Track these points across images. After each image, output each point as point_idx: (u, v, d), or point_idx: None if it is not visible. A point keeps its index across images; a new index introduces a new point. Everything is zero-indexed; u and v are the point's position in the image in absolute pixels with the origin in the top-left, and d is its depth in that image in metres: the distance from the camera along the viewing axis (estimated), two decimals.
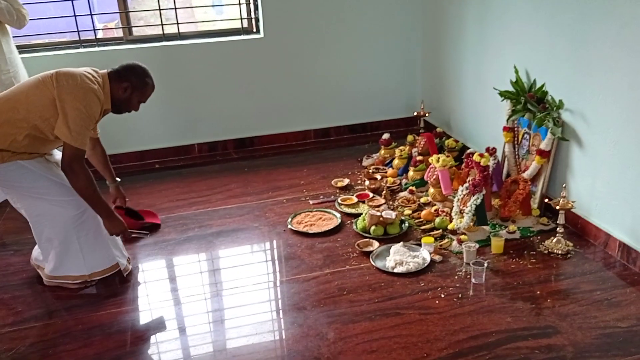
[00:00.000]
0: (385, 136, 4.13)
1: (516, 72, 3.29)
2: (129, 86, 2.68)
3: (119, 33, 4.28)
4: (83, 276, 2.72)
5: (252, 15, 4.41)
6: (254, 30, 4.45)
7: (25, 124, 2.52)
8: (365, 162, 4.15)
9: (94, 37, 4.20)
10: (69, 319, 2.55)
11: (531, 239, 3.01)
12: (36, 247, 2.81)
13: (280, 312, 2.55)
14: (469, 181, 3.09)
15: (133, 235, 3.04)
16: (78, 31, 4.11)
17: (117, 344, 2.37)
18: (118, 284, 2.79)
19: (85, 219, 2.67)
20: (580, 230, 3.01)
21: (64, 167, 2.53)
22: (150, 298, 2.70)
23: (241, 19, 4.41)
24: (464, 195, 3.08)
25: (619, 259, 2.76)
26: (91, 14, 4.18)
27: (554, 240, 2.88)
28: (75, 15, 4.08)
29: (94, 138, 2.97)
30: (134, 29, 4.32)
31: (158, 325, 2.50)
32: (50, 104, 2.50)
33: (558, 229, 2.88)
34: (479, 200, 2.97)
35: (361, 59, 4.60)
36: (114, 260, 2.77)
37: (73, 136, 2.48)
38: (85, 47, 4.15)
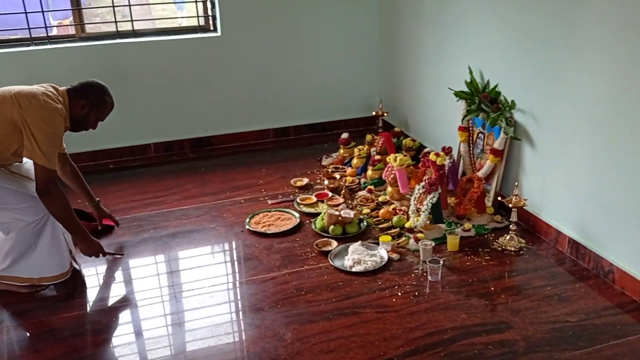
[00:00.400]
0: (344, 135, 4.15)
1: (470, 72, 3.35)
2: (86, 104, 2.64)
3: (73, 30, 4.17)
4: (31, 279, 2.64)
5: (209, 13, 4.36)
6: (211, 28, 4.40)
7: None
8: (325, 162, 4.16)
9: (45, 35, 4.07)
10: (18, 324, 2.47)
11: (485, 236, 3.07)
12: None
13: (238, 313, 2.53)
14: (425, 180, 3.13)
15: (107, 256, 2.91)
16: (29, 28, 3.99)
17: (70, 348, 2.31)
18: (71, 287, 2.71)
19: (44, 224, 2.61)
20: (532, 227, 3.08)
21: (40, 190, 2.49)
22: (105, 301, 2.64)
23: (198, 16, 4.36)
24: (421, 193, 3.12)
25: (568, 255, 2.85)
26: (42, 11, 4.06)
27: (507, 238, 2.95)
28: (26, 12, 3.95)
29: (62, 154, 2.89)
30: (88, 26, 4.21)
31: (112, 329, 2.45)
32: (8, 122, 2.45)
33: (511, 226, 2.95)
34: (435, 199, 3.01)
35: (320, 58, 4.61)
36: (66, 267, 2.69)
37: (46, 158, 2.45)
38: (36, 44, 4.03)
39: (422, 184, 3.13)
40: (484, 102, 3.25)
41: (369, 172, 3.76)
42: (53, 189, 2.51)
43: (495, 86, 3.22)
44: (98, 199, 3.10)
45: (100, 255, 2.76)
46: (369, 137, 4.09)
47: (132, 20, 4.17)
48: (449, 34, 3.66)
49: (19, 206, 2.56)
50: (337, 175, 3.78)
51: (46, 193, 2.50)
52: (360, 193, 3.61)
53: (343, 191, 3.57)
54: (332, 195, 3.57)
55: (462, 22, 3.50)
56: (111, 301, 2.64)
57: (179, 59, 4.27)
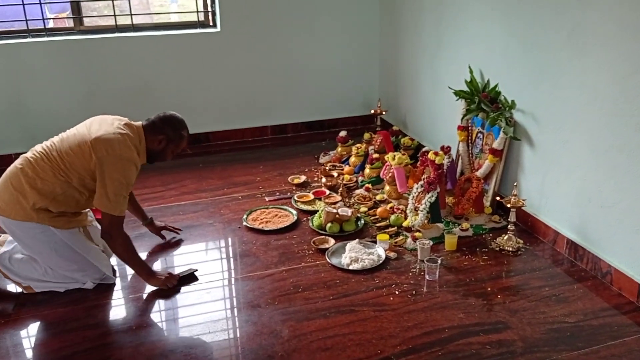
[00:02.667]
0: (342, 133, 4.13)
1: (471, 72, 3.34)
2: (164, 139, 2.63)
3: (70, 23, 4.14)
4: (20, 284, 2.62)
5: (209, 8, 4.34)
6: (211, 23, 4.38)
7: (64, 177, 2.49)
8: (322, 159, 4.14)
9: (43, 27, 4.05)
10: (23, 316, 2.45)
11: (483, 236, 3.06)
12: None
13: (235, 310, 2.51)
14: (423, 179, 3.12)
15: (182, 276, 2.75)
16: (26, 20, 3.96)
17: (67, 343, 2.29)
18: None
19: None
20: (530, 227, 3.08)
21: (103, 234, 2.53)
22: (102, 296, 2.62)
23: (197, 12, 4.34)
24: (419, 193, 3.11)
25: (566, 256, 2.84)
26: (40, 3, 4.04)
27: (505, 238, 2.94)
28: (23, 4, 3.92)
29: None
30: (86, 19, 4.18)
31: (108, 325, 2.43)
32: (86, 169, 2.48)
33: (509, 226, 2.94)
34: (433, 198, 3.00)
35: (319, 56, 4.60)
36: (61, 289, 2.65)
37: (113, 206, 2.45)
38: (33, 36, 4.00)
39: (421, 182, 3.12)
40: (483, 101, 3.25)
41: (367, 171, 3.75)
42: (115, 233, 2.51)
43: (495, 86, 3.21)
44: (151, 216, 3.08)
45: (173, 282, 2.66)
46: (367, 136, 4.08)
47: (131, 14, 4.15)
48: (449, 32, 3.66)
49: (73, 266, 2.59)
50: (335, 173, 3.77)
51: (108, 237, 2.53)
52: (358, 191, 3.60)
53: (340, 189, 3.56)
54: (330, 193, 3.56)
55: (462, 21, 3.49)
56: (107, 297, 2.62)
57: (178, 54, 4.25)
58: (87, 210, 2.74)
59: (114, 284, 2.69)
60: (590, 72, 2.57)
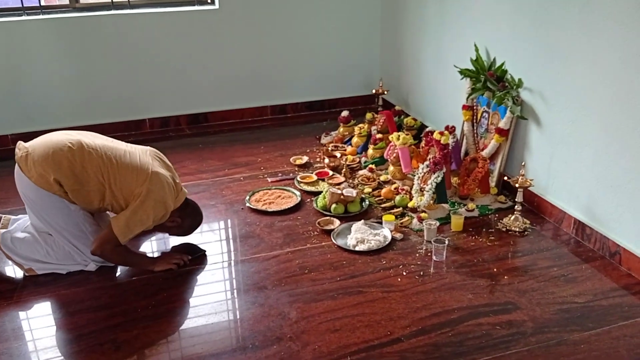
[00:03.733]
0: (344, 113, 4.07)
1: (476, 50, 3.29)
2: (176, 220, 2.65)
3: (66, 0, 4.04)
4: (21, 266, 2.58)
5: None
6: (209, 1, 4.29)
7: (103, 181, 2.46)
8: (324, 140, 4.09)
9: (38, 4, 3.94)
10: (25, 298, 2.41)
11: (489, 216, 3.03)
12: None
13: (241, 291, 2.48)
14: (429, 159, 3.08)
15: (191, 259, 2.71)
16: None
17: (71, 326, 2.26)
18: None
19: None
20: (536, 207, 3.05)
21: (94, 248, 2.47)
22: (106, 278, 2.57)
23: None
24: (425, 173, 3.07)
25: (574, 235, 2.82)
26: None
27: (512, 218, 2.92)
28: None
29: None
30: None
31: (112, 307, 2.39)
32: (129, 190, 2.47)
33: (516, 206, 2.91)
34: (439, 179, 2.96)
35: (319, 34, 4.52)
36: (63, 271, 2.61)
37: (124, 232, 2.43)
38: (28, 14, 3.90)
39: (426, 163, 3.08)
40: (489, 80, 3.20)
41: (370, 151, 3.70)
42: (108, 253, 2.49)
43: (502, 64, 3.16)
44: None
45: (184, 260, 2.65)
46: (369, 116, 4.03)
47: None
48: (453, 9, 3.59)
49: (75, 242, 2.54)
50: (338, 154, 3.72)
51: (100, 253, 2.48)
52: (361, 172, 3.56)
53: (344, 170, 3.52)
54: (333, 174, 3.51)
55: None
56: (110, 279, 2.58)
57: (175, 32, 4.16)
58: None
59: (115, 266, 2.65)
60: (602, 51, 2.52)
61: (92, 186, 2.45)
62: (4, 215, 2.70)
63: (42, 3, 4.01)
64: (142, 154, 2.57)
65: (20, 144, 2.51)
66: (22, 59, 3.89)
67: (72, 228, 2.51)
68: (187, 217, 2.69)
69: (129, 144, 2.63)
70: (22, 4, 3.88)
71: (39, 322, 2.31)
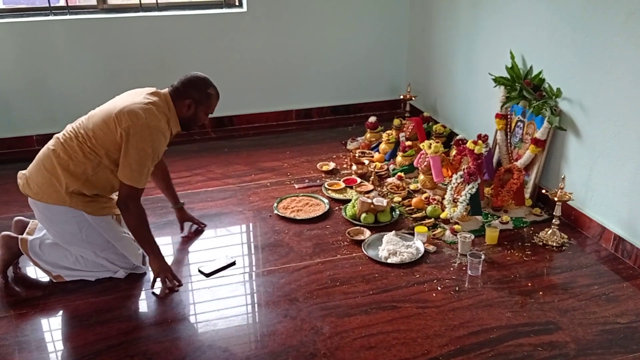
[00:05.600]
0: (372, 119, 4.01)
1: (512, 57, 3.20)
2: (191, 103, 2.49)
3: (93, 1, 4.01)
4: (49, 272, 2.53)
5: None
6: (237, 3, 4.24)
7: (93, 156, 2.38)
8: (350, 146, 4.03)
9: (65, 4, 3.92)
10: (53, 305, 2.37)
11: (524, 229, 2.95)
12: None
13: (272, 303, 2.42)
14: (463, 169, 3.00)
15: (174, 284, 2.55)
16: None
17: (101, 336, 2.21)
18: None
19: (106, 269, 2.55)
20: (573, 221, 2.96)
21: (119, 203, 2.41)
22: (134, 286, 2.53)
23: None
24: (459, 183, 2.99)
25: (613, 252, 2.73)
26: None
27: (549, 232, 2.83)
28: None
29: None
30: None
31: (144, 316, 2.35)
32: (113, 144, 2.36)
33: (553, 220, 2.83)
34: (474, 190, 2.89)
35: (346, 37, 4.45)
36: (92, 278, 2.56)
37: (135, 177, 2.34)
38: (55, 14, 3.88)
39: (460, 173, 3.00)
40: (526, 89, 3.11)
41: (399, 159, 3.63)
42: (132, 206, 2.40)
43: (540, 72, 3.07)
44: (183, 202, 2.97)
45: (167, 280, 2.49)
46: (396, 122, 3.95)
47: None
48: (487, 13, 3.50)
49: (103, 255, 2.50)
50: (366, 161, 3.65)
51: (125, 208, 2.41)
52: (390, 180, 3.48)
53: (372, 177, 3.46)
54: (361, 182, 3.45)
55: (502, 3, 3.34)
56: (139, 287, 2.53)
57: (203, 35, 4.12)
58: None
59: (145, 274, 2.60)
60: None
61: (93, 169, 2.39)
62: (31, 221, 2.67)
63: (71, 3, 3.98)
64: (107, 104, 2.46)
65: (19, 173, 2.49)
66: (47, 59, 3.87)
67: (97, 240, 2.47)
68: (190, 92, 2.48)
69: (98, 107, 2.50)
70: (49, 4, 3.86)
71: (69, 331, 2.27)
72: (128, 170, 2.33)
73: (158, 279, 2.51)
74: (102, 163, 2.40)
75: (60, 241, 2.48)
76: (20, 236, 2.54)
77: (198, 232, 2.96)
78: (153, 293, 2.48)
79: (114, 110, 2.36)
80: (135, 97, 2.43)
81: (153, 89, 2.51)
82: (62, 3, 3.93)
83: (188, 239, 2.90)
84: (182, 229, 2.96)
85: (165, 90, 2.52)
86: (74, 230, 2.44)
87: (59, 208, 2.39)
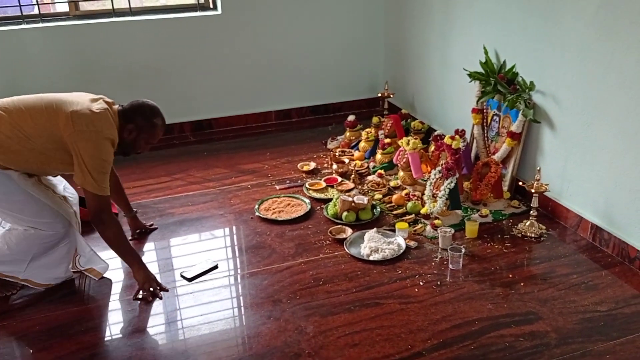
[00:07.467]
0: (351, 118, 4.02)
1: (486, 52, 3.23)
2: (134, 128, 2.45)
3: (65, 8, 3.97)
4: (16, 277, 2.47)
5: None
6: (211, 6, 4.23)
7: (30, 145, 2.31)
8: (330, 145, 4.04)
9: (37, 12, 3.88)
10: (22, 320, 2.34)
11: (503, 222, 2.99)
12: None
13: (255, 305, 2.42)
14: (441, 165, 3.02)
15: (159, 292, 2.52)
16: (20, 5, 3.79)
17: (80, 346, 2.20)
18: (75, 281, 2.59)
19: (56, 242, 2.46)
20: (551, 212, 3.01)
21: (93, 219, 2.36)
22: (117, 294, 2.52)
23: None
24: (437, 179, 3.02)
25: (591, 241, 2.78)
26: None
27: (527, 224, 2.87)
28: None
29: None
30: (82, 3, 4.01)
31: (123, 321, 2.33)
32: (56, 139, 2.31)
33: (531, 212, 2.86)
34: (452, 184, 2.91)
35: (323, 37, 4.46)
36: (56, 282, 2.53)
37: (98, 185, 2.30)
38: (28, 23, 3.83)
39: (438, 168, 3.03)
40: (500, 83, 3.15)
41: (378, 156, 3.65)
42: (106, 218, 2.37)
43: (513, 67, 3.11)
44: (136, 210, 2.96)
45: (151, 289, 2.46)
46: (375, 120, 3.97)
47: None
48: (460, 10, 3.53)
49: (36, 219, 2.40)
50: (346, 160, 3.67)
51: (99, 222, 2.37)
52: (370, 178, 3.50)
53: (353, 176, 3.47)
54: (342, 180, 3.46)
55: None
56: (123, 293, 2.52)
57: (178, 39, 4.10)
58: None
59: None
60: (618, 53, 2.48)
61: (15, 145, 2.29)
62: None
63: (42, 11, 3.94)
64: (52, 94, 2.41)
65: None
66: (21, 67, 3.82)
67: (22, 197, 2.35)
68: (136, 118, 2.44)
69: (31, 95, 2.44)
70: (22, 12, 3.81)
71: (25, 352, 2.25)
72: (90, 179, 2.29)
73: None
74: (26, 143, 2.30)
75: None
76: None
77: (192, 234, 2.97)
78: (137, 299, 2.46)
79: (68, 107, 2.30)
80: (89, 102, 2.39)
81: (108, 100, 2.48)
82: (35, 11, 3.88)
83: (173, 244, 2.89)
84: (132, 234, 2.94)
85: (117, 107, 2.49)
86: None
87: None
